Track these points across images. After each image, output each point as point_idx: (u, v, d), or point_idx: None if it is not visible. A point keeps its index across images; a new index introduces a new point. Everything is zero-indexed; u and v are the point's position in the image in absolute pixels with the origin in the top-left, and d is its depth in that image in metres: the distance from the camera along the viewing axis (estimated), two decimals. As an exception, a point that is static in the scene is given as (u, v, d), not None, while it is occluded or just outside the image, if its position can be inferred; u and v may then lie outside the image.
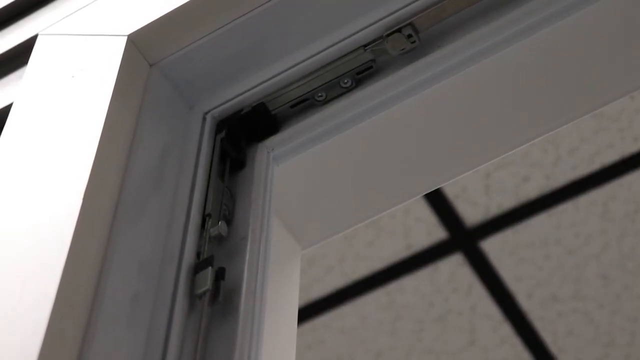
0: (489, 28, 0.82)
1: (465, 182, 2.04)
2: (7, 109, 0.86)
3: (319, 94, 0.85)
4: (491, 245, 2.10)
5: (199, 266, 0.74)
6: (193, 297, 0.73)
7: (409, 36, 0.82)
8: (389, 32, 0.82)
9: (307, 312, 2.16)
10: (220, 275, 0.73)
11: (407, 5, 0.82)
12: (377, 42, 0.83)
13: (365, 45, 0.84)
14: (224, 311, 0.72)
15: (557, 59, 0.85)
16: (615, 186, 2.05)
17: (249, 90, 0.86)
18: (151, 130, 0.81)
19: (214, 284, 0.73)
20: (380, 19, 0.83)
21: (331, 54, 0.84)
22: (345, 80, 0.84)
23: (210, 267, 0.73)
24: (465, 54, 0.82)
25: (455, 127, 0.88)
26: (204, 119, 0.86)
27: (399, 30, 0.82)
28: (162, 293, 0.72)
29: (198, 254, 0.76)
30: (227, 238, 0.78)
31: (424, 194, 0.95)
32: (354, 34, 0.84)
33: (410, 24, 0.82)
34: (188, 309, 0.72)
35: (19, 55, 0.92)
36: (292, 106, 0.85)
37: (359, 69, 0.84)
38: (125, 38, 0.85)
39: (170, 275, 0.73)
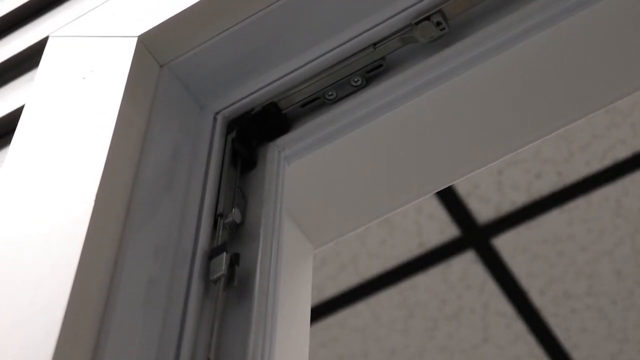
0: (498, 25, 0.81)
1: (477, 180, 2.04)
2: (19, 111, 0.86)
3: (330, 93, 0.85)
4: (504, 242, 2.09)
5: (213, 252, 0.75)
6: (208, 282, 0.74)
7: (438, 24, 0.81)
8: (418, 19, 0.82)
9: (320, 311, 2.16)
10: (234, 260, 0.75)
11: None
12: (406, 30, 0.82)
13: (375, 44, 0.83)
14: (239, 296, 0.73)
15: (569, 55, 0.84)
16: (627, 182, 2.04)
17: (259, 89, 0.86)
18: (162, 130, 0.81)
19: (228, 269, 0.74)
20: (410, 6, 0.82)
21: (341, 52, 0.84)
22: (356, 79, 0.84)
23: (224, 253, 0.74)
24: (476, 51, 0.82)
25: (466, 124, 0.88)
26: (215, 119, 0.86)
27: (428, 18, 0.81)
28: (178, 279, 0.73)
29: (210, 252, 0.76)
30: (239, 238, 0.78)
31: (436, 191, 0.95)
32: (364, 32, 0.84)
33: (439, 11, 0.81)
34: (203, 293, 0.73)
35: (30, 58, 0.92)
36: (303, 105, 0.85)
37: (369, 67, 0.84)
38: (136, 39, 0.85)
39: (186, 262, 0.74)
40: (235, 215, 0.78)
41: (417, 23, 0.82)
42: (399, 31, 0.83)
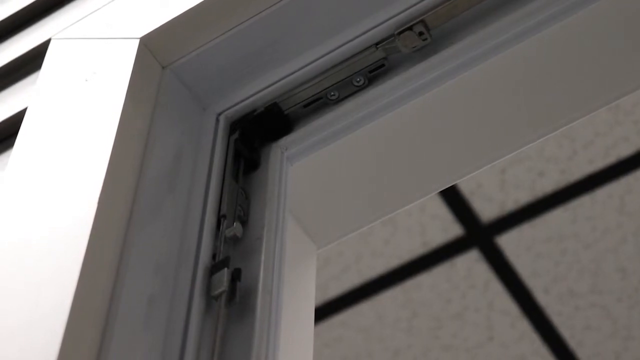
0: (500, 24, 0.81)
1: (481, 178, 2.03)
2: (22, 114, 0.86)
3: (332, 93, 0.85)
4: (507, 241, 2.09)
5: (214, 267, 0.74)
6: (209, 299, 0.73)
7: (421, 34, 0.82)
8: (400, 29, 0.82)
9: (324, 311, 2.16)
10: (236, 276, 0.73)
11: (418, 3, 0.82)
12: (388, 40, 0.83)
13: (377, 44, 0.83)
14: (241, 312, 0.72)
15: (570, 53, 0.84)
16: (631, 179, 2.04)
17: (261, 90, 0.86)
18: (165, 132, 0.81)
19: (230, 285, 0.73)
20: (392, 17, 0.83)
21: (343, 52, 0.84)
22: (358, 79, 0.84)
23: (226, 268, 0.73)
24: (478, 50, 0.82)
25: (469, 123, 0.88)
26: (217, 120, 0.86)
27: (410, 28, 0.82)
28: (179, 295, 0.72)
29: (214, 255, 0.76)
30: (242, 239, 0.78)
31: (440, 190, 0.95)
32: (365, 32, 0.84)
33: (421, 21, 0.82)
34: (205, 310, 0.72)
35: (32, 60, 0.92)
36: (305, 106, 0.85)
37: (371, 67, 0.84)
38: (138, 41, 0.85)
39: (187, 277, 0.73)
40: (237, 229, 0.78)
41: (400, 33, 0.82)
42: (382, 41, 0.83)
